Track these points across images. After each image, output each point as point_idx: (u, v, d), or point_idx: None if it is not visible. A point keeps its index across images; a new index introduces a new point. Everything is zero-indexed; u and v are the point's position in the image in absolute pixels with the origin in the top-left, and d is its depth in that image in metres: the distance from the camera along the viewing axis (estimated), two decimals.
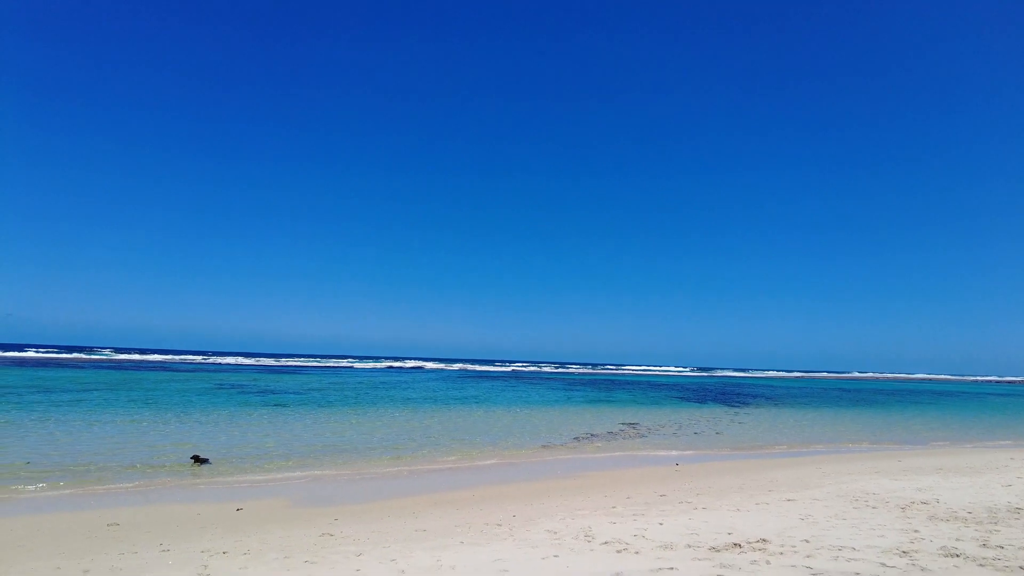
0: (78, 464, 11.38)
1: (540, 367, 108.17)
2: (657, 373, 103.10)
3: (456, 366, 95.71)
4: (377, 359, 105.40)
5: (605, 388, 46.62)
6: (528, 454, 14.63)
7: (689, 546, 6.22)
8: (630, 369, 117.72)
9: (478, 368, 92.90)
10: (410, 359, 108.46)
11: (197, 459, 11.79)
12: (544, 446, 15.85)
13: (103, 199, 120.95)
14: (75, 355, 76.97)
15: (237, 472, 11.42)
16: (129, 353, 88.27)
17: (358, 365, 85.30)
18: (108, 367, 51.87)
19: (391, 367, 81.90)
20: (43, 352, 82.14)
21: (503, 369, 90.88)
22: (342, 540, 6.85)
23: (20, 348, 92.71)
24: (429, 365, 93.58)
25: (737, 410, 30.82)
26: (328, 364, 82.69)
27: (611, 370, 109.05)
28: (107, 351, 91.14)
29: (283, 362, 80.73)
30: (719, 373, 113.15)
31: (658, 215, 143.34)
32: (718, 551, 5.98)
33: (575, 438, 17.63)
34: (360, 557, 5.99)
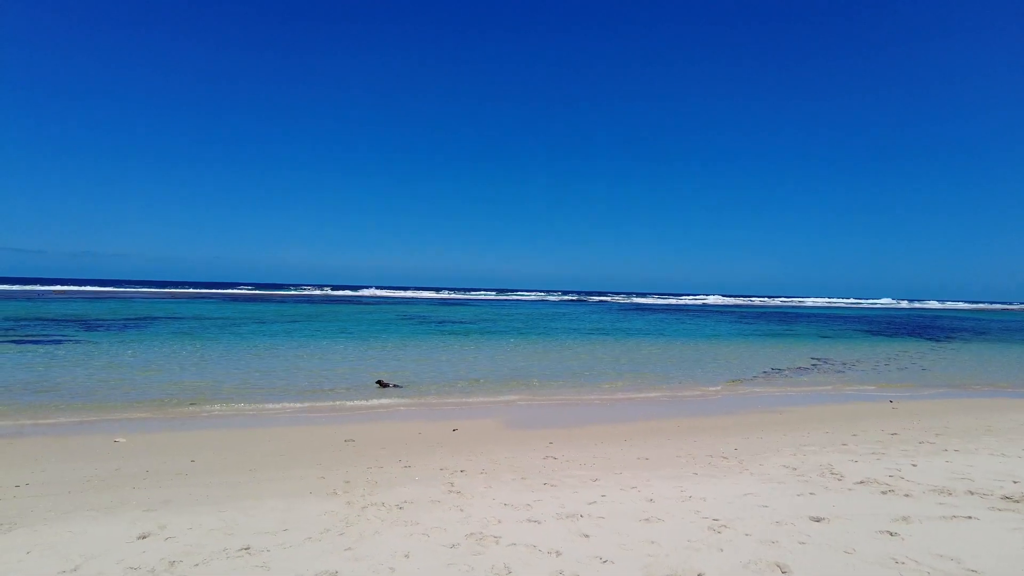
0: (293, 386, 12.75)
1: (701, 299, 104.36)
2: (837, 305, 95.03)
3: (615, 298, 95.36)
4: (549, 291, 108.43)
5: (780, 321, 43.71)
6: (723, 388, 14.01)
7: (971, 492, 5.42)
8: (800, 302, 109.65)
9: (641, 301, 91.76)
10: (572, 292, 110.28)
11: (381, 383, 12.66)
12: (734, 380, 15.10)
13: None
14: (277, 292, 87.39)
15: (432, 395, 12.10)
16: (322, 288, 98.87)
17: (525, 297, 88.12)
18: (305, 301, 58.17)
19: (545, 299, 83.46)
20: (249, 289, 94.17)
21: (662, 302, 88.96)
22: (567, 464, 6.90)
23: (233, 285, 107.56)
24: (594, 298, 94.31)
25: (939, 344, 27.38)
26: (492, 297, 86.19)
27: (783, 302, 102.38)
28: (308, 288, 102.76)
29: (454, 296, 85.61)
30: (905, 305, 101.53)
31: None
32: (1016, 501, 5.14)
33: (763, 372, 16.61)
34: (597, 483, 5.95)
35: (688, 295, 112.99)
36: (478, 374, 14.60)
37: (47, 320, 27.07)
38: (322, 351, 18.33)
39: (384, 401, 11.38)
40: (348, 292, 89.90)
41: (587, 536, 4.40)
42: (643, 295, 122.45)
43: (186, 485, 6.05)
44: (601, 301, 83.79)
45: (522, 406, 11.23)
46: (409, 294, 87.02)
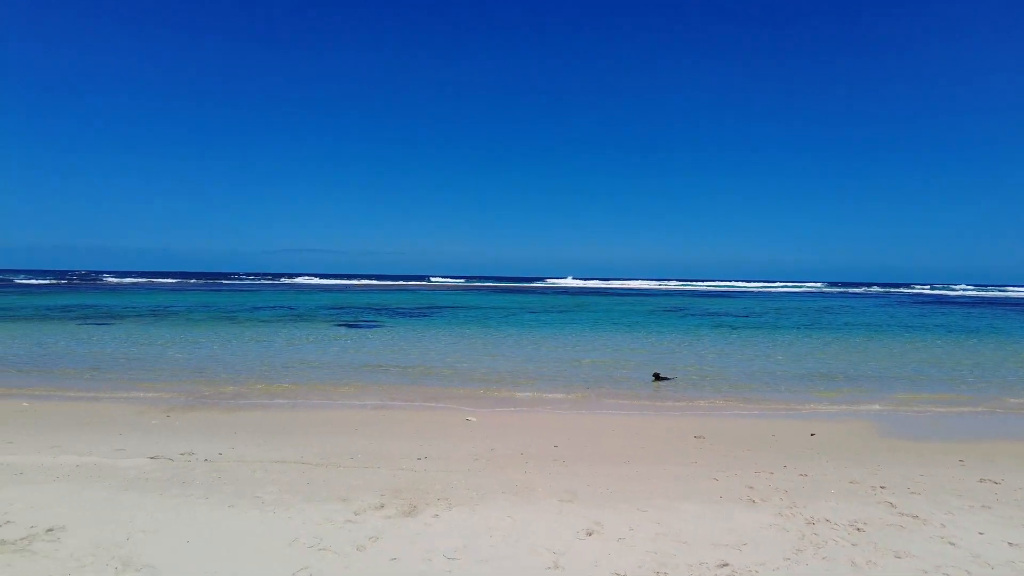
0: (585, 374, 12.53)
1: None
2: None
3: (865, 289, 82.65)
4: (796, 282, 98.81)
5: None
6: None
7: None
8: None
9: (925, 292, 78.35)
10: (814, 282, 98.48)
11: (657, 377, 11.79)
12: None
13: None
14: (525, 284, 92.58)
15: (744, 393, 10.92)
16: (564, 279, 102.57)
17: (792, 289, 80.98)
18: (561, 292, 60.33)
19: (806, 292, 75.19)
20: (492, 282, 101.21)
21: (974, 293, 74.57)
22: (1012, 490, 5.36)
23: (480, 279, 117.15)
24: (874, 288, 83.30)
25: None
26: (748, 288, 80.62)
27: None
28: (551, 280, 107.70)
29: (694, 286, 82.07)
30: None
31: None
32: None
33: None
34: None
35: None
36: (783, 373, 13.06)
37: (359, 308, 31.66)
38: (605, 342, 18.25)
39: (713, 399, 10.59)
40: (597, 283, 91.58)
41: None
42: (908, 285, 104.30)
43: (566, 473, 5.90)
44: (856, 293, 72.98)
45: (883, 413, 9.54)
46: (646, 285, 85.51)
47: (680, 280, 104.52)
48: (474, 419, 8.54)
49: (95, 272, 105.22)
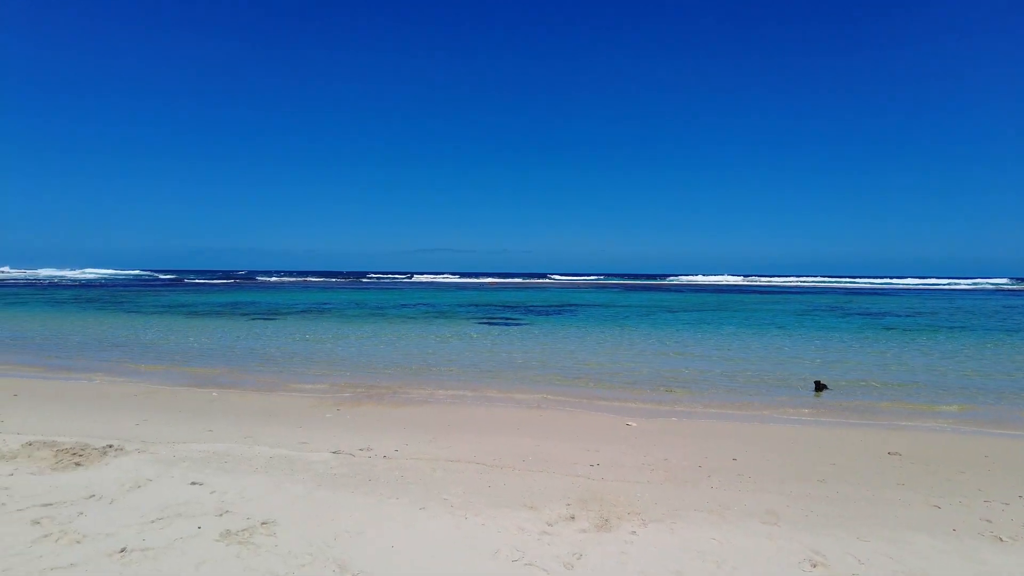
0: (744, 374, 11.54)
1: None
2: None
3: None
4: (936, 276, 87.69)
5: None
6: None
7: None
8: None
9: None
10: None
11: (819, 385, 10.55)
12: None
13: None
14: (649, 281, 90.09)
15: (897, 404, 9.48)
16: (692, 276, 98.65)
17: (963, 287, 72.34)
18: (693, 290, 58.01)
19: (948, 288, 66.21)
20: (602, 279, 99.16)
21: None
22: None
23: (586, 274, 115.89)
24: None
25: None
26: (908, 285, 72.88)
27: None
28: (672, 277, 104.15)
29: (840, 282, 75.30)
30: None
31: None
32: None
33: None
34: None
35: None
36: (979, 383, 11.31)
37: (495, 306, 32.20)
38: (757, 343, 17.00)
39: (895, 411, 9.38)
40: (734, 280, 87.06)
41: None
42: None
43: (755, 490, 5.32)
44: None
45: None
46: (787, 281, 79.58)
47: (826, 276, 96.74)
48: (634, 424, 8.14)
49: (254, 272, 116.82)
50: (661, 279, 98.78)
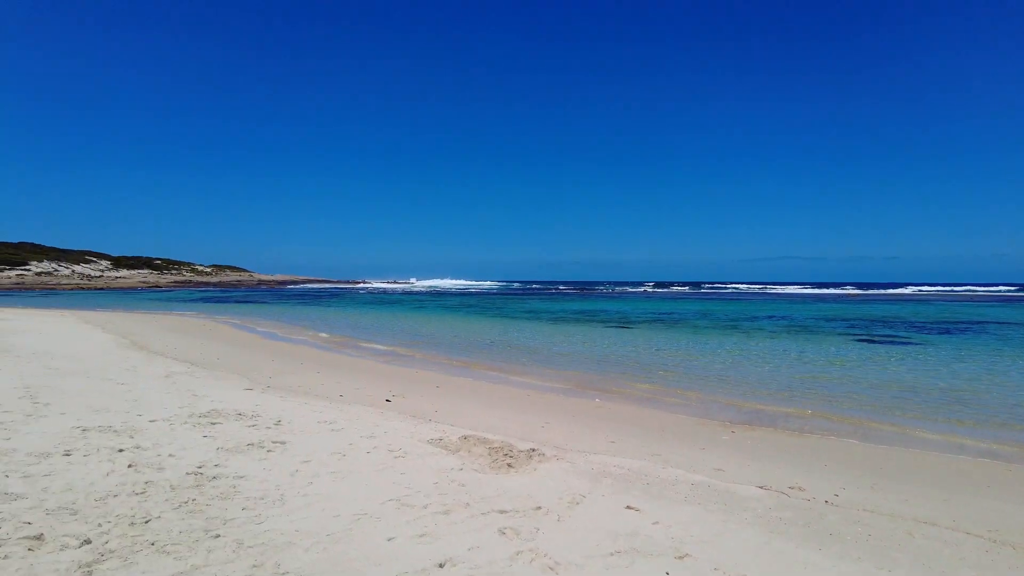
0: None
1: None
2: None
3: None
4: None
5: None
6: None
7: None
8: None
9: None
10: None
11: None
12: None
13: None
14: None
15: None
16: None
17: None
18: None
19: None
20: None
21: None
22: None
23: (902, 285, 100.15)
24: None
25: None
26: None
27: None
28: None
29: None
30: None
31: None
32: None
33: None
34: None
35: None
36: None
37: (864, 320, 27.67)
38: None
39: None
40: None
41: None
42: None
43: None
44: None
45: None
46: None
47: None
48: None
49: (592, 282, 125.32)
50: None
